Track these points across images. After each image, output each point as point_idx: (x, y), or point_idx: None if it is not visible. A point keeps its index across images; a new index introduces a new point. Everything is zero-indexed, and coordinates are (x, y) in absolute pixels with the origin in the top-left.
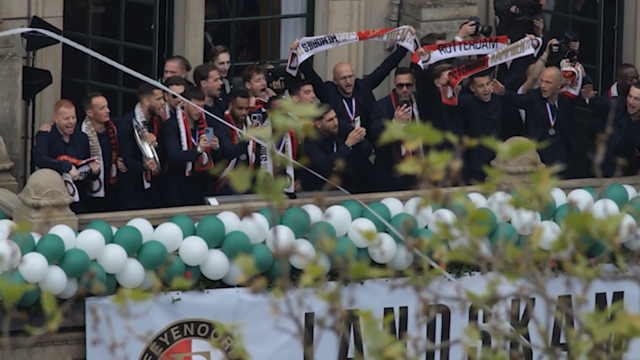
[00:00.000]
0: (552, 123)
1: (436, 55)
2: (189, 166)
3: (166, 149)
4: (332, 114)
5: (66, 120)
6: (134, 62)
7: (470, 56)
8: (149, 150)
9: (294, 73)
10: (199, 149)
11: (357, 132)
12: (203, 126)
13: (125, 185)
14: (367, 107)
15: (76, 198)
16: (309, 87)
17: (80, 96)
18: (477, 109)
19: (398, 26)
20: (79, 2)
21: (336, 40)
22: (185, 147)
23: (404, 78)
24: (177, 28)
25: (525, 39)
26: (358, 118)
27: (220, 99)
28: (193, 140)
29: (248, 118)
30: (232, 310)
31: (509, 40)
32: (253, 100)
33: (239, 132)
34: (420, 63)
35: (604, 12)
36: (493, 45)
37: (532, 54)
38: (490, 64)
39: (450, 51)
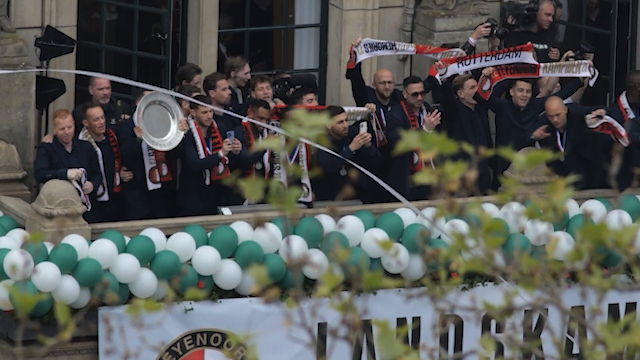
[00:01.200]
0: (562, 148)
1: (453, 68)
2: (208, 175)
3: (184, 158)
4: (343, 116)
5: (62, 130)
6: (148, 72)
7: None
8: (175, 127)
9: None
10: (220, 153)
11: (361, 136)
12: (216, 134)
13: (128, 193)
14: None
15: (82, 199)
16: (311, 95)
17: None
18: (510, 115)
19: (412, 37)
20: (93, 12)
21: (395, 48)
22: (202, 156)
23: (417, 87)
24: (191, 38)
25: (584, 61)
26: (364, 123)
27: (230, 108)
28: (208, 149)
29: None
30: (245, 320)
31: (533, 46)
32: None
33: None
34: (437, 76)
35: (617, 22)
36: (517, 55)
37: (587, 77)
38: (540, 74)
39: (469, 64)
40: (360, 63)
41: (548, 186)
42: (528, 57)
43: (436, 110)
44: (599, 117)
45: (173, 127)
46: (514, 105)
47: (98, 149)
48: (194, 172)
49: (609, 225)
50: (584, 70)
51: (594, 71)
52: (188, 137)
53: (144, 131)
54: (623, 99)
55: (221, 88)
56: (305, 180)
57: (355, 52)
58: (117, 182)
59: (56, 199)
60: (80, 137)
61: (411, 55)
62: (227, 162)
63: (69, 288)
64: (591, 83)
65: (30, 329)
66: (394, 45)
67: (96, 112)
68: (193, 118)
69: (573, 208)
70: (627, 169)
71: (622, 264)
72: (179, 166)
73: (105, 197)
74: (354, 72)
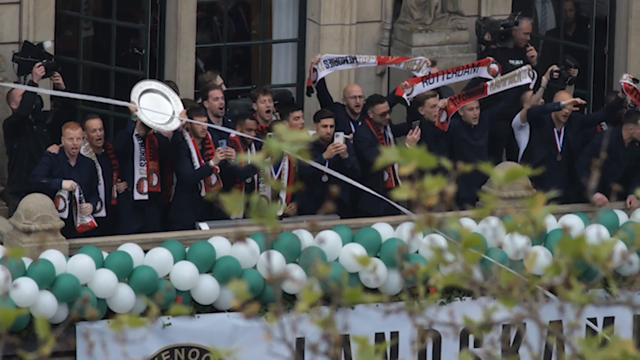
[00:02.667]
0: (560, 148)
1: (419, 88)
2: (203, 187)
3: (179, 172)
4: (329, 121)
5: (70, 141)
6: (125, 87)
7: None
8: (172, 109)
9: (313, 87)
10: (212, 163)
11: (334, 146)
12: (210, 146)
13: (121, 205)
14: None
15: (65, 215)
16: (298, 113)
17: (70, 121)
18: (462, 134)
19: (389, 52)
20: (70, 27)
21: (356, 62)
22: (197, 167)
23: (384, 106)
24: (169, 53)
25: (522, 68)
26: (341, 133)
27: (230, 120)
28: (203, 161)
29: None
30: (224, 335)
31: (491, 60)
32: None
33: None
34: (404, 96)
35: (595, 37)
36: (474, 70)
37: (528, 84)
38: (489, 92)
39: (433, 82)
40: (323, 79)
41: (527, 201)
42: (483, 72)
43: (417, 127)
44: (636, 80)
45: (170, 109)
46: (465, 124)
47: (99, 167)
48: (190, 185)
49: (587, 239)
50: (525, 77)
51: (534, 74)
52: (184, 150)
53: (139, 108)
54: None
55: (213, 98)
56: (282, 194)
57: (315, 69)
58: (115, 195)
59: (34, 214)
60: (82, 151)
61: (389, 68)
62: (218, 171)
63: (47, 303)
64: (531, 86)
65: (9, 344)
66: (355, 58)
67: (95, 123)
68: (188, 130)
69: (551, 222)
70: (606, 183)
71: (600, 278)
72: (174, 178)
73: (103, 213)
74: (318, 89)
